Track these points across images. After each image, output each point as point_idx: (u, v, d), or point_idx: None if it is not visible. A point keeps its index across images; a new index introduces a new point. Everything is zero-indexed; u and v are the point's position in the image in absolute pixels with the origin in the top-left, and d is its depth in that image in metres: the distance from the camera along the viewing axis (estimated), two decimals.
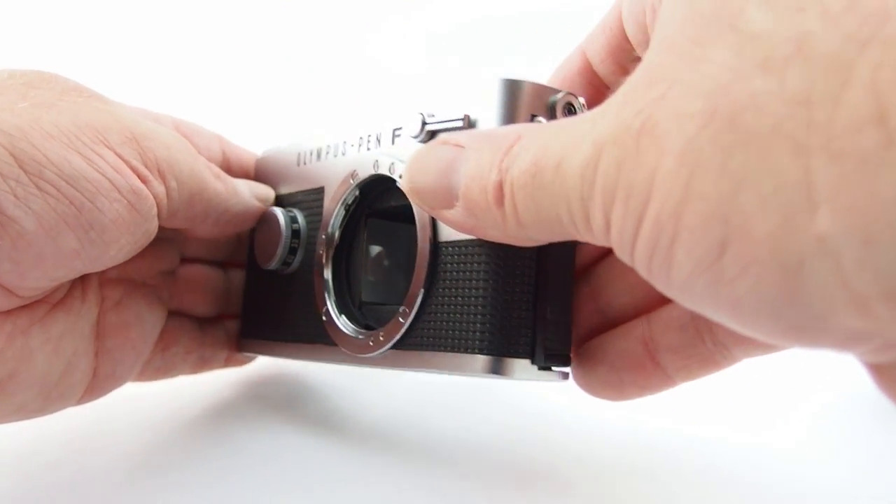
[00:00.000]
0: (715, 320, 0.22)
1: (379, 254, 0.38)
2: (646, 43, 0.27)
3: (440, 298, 0.31)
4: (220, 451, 0.39)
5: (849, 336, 0.19)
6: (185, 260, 0.44)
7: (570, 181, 0.24)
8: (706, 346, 0.30)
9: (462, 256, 0.31)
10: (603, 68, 0.32)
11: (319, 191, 0.38)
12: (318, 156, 0.39)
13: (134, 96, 0.40)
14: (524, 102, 0.30)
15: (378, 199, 0.37)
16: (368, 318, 0.36)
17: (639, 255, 0.22)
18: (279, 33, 0.79)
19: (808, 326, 0.19)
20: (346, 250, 0.38)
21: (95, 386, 0.37)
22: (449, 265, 0.31)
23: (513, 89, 0.31)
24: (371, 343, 0.34)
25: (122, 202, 0.31)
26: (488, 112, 0.31)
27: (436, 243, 0.32)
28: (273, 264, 0.39)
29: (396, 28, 0.76)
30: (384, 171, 0.34)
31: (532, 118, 0.30)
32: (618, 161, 0.22)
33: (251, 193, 0.40)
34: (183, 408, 0.44)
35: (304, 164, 0.40)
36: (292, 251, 0.39)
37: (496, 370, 0.30)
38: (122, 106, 0.35)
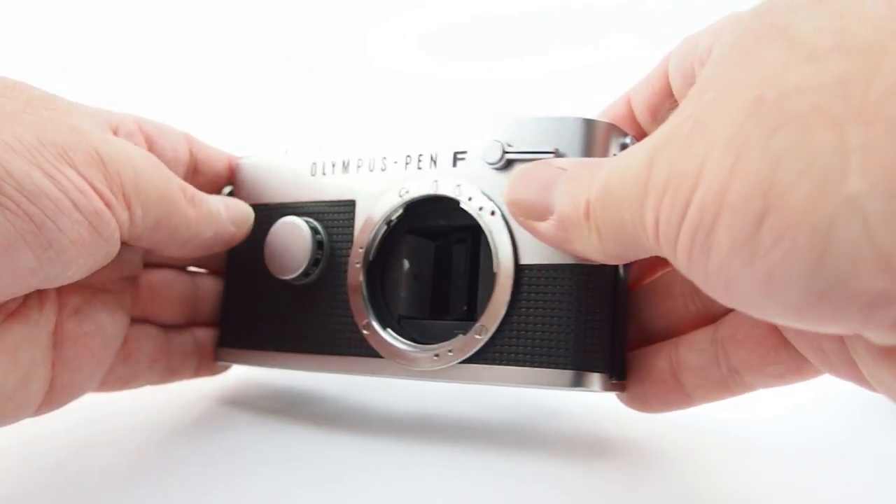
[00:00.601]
0: (746, 304, 0.23)
1: (409, 269, 0.38)
2: None
3: (523, 317, 0.34)
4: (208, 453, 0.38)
5: (871, 300, 0.20)
6: (149, 265, 0.42)
7: (629, 185, 0.26)
8: (721, 369, 0.33)
9: (547, 279, 0.33)
10: (642, 119, 0.36)
11: (348, 203, 0.38)
12: (345, 167, 0.39)
13: (127, 93, 0.37)
14: (601, 140, 0.34)
15: (420, 218, 0.38)
16: (410, 331, 0.37)
17: (682, 244, 0.24)
18: (277, 34, 0.75)
19: (834, 291, 0.20)
20: (380, 265, 0.38)
21: (52, 397, 0.35)
22: (532, 286, 0.34)
23: (592, 128, 0.34)
24: (436, 357, 0.35)
25: (84, 223, 0.30)
26: (570, 147, 0.34)
27: (518, 265, 0.34)
28: (294, 275, 0.38)
29: (393, 28, 0.74)
30: (447, 192, 0.36)
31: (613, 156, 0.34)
32: (670, 159, 0.24)
33: (228, 217, 0.39)
34: (164, 413, 0.42)
35: (324, 174, 0.39)
36: (315, 262, 0.39)
37: (581, 383, 0.33)
38: (90, 120, 0.33)
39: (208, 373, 0.45)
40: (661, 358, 0.34)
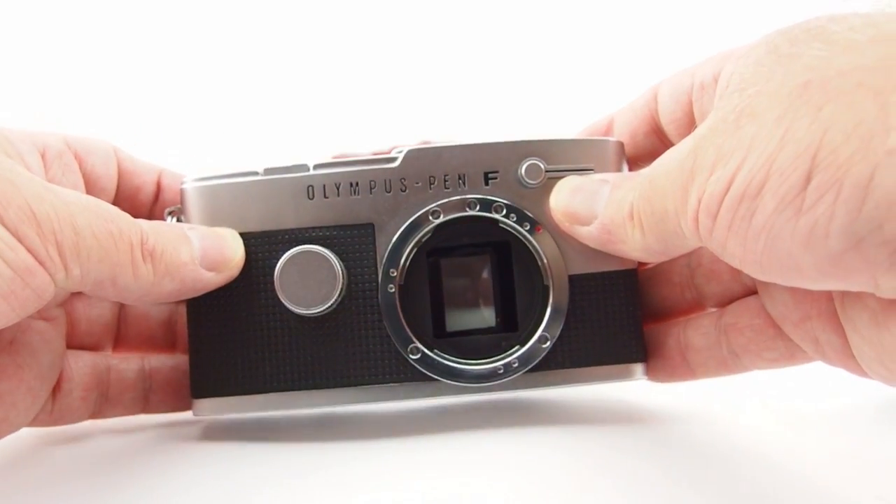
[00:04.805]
0: (780, 264, 0.25)
1: (437, 288, 0.39)
2: (683, 118, 0.37)
3: (580, 322, 0.37)
4: None
5: None
6: None
7: (673, 175, 0.29)
8: (722, 351, 0.37)
9: (594, 286, 0.37)
10: (619, 138, 0.40)
11: (366, 227, 0.37)
12: (355, 189, 0.37)
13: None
14: (624, 159, 0.39)
15: (447, 237, 0.38)
16: (450, 350, 0.37)
17: (723, 214, 0.26)
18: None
19: (870, 236, 0.22)
20: (407, 287, 0.38)
21: None
22: (584, 294, 0.37)
23: (620, 148, 0.39)
24: (501, 371, 0.37)
25: (16, 279, 0.29)
26: (605, 166, 0.38)
27: (569, 276, 0.37)
28: (323, 308, 0.36)
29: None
30: (483, 212, 0.37)
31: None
32: (717, 144, 0.27)
33: (205, 263, 0.36)
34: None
35: (326, 196, 0.37)
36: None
37: (632, 374, 0.38)
38: (23, 172, 0.31)
39: (167, 407, 0.41)
40: (671, 337, 0.40)
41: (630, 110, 0.40)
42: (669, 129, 0.38)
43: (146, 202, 0.42)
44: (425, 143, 0.40)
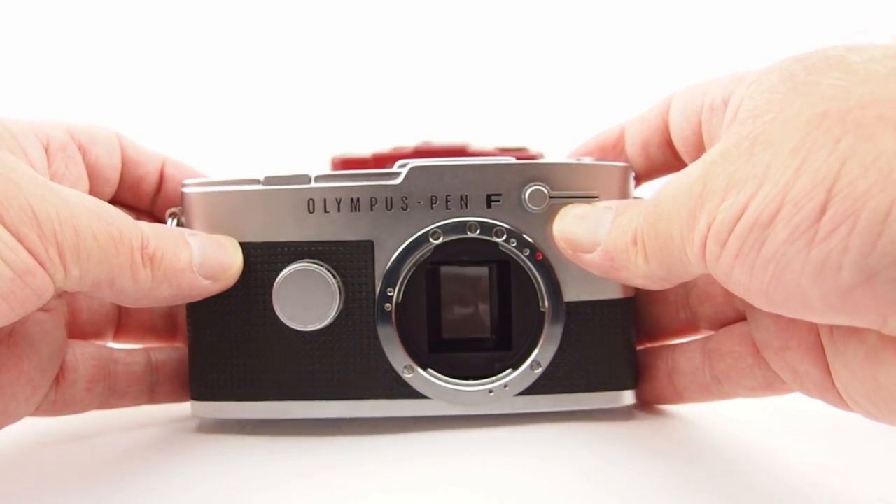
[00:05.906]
0: (788, 296, 0.25)
1: (433, 304, 0.39)
2: (692, 138, 0.36)
3: (573, 349, 0.38)
4: None
5: None
6: None
7: (681, 200, 0.29)
8: (705, 376, 0.38)
9: (590, 314, 0.38)
10: (631, 150, 0.40)
11: (366, 244, 0.37)
12: (355, 205, 0.37)
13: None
14: (631, 183, 0.38)
15: (446, 255, 0.38)
16: (444, 367, 0.38)
17: (732, 242, 0.26)
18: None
19: (884, 272, 0.22)
20: (404, 303, 0.38)
21: None
22: (579, 321, 0.38)
23: (626, 173, 0.38)
24: (491, 392, 0.37)
25: (16, 280, 0.29)
26: (609, 191, 0.37)
27: (566, 303, 0.37)
28: (320, 327, 0.37)
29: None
30: (484, 235, 0.37)
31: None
32: (728, 171, 0.26)
33: (203, 271, 0.36)
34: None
35: (326, 211, 0.37)
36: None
37: (621, 400, 0.39)
38: (26, 171, 0.31)
39: (172, 399, 0.42)
40: (661, 360, 0.40)
41: (643, 120, 0.39)
42: (679, 145, 0.37)
43: (149, 192, 0.42)
44: (426, 143, 0.40)
